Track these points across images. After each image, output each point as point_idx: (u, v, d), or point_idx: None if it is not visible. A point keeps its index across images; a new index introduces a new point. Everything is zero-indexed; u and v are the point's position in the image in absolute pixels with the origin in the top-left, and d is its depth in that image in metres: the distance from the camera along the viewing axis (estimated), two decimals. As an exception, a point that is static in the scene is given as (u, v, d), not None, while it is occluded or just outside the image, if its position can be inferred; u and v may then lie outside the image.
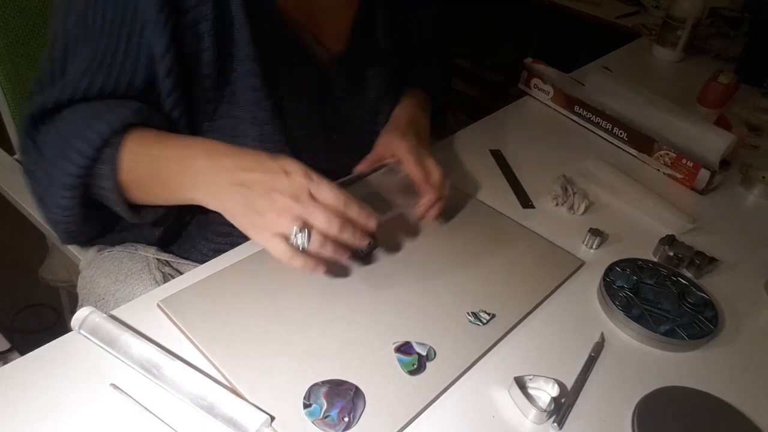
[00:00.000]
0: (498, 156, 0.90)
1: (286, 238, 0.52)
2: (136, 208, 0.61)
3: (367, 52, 0.76)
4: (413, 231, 0.71)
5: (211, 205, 0.55)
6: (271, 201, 0.52)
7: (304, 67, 0.69)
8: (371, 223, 0.55)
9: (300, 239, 0.52)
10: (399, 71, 0.83)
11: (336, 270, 0.62)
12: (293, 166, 0.53)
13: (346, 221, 0.53)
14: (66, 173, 0.55)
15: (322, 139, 0.74)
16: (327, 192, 0.53)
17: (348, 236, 0.54)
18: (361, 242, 0.55)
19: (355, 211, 0.54)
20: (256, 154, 0.55)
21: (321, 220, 0.52)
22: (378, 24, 0.76)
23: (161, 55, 0.56)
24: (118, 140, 0.56)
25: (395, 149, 0.71)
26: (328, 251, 0.54)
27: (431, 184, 0.68)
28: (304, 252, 0.53)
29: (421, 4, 0.86)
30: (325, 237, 0.53)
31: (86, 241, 0.72)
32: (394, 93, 0.82)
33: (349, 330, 0.57)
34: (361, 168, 0.73)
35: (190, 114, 0.63)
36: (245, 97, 0.63)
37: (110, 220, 0.65)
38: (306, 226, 0.52)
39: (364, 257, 0.65)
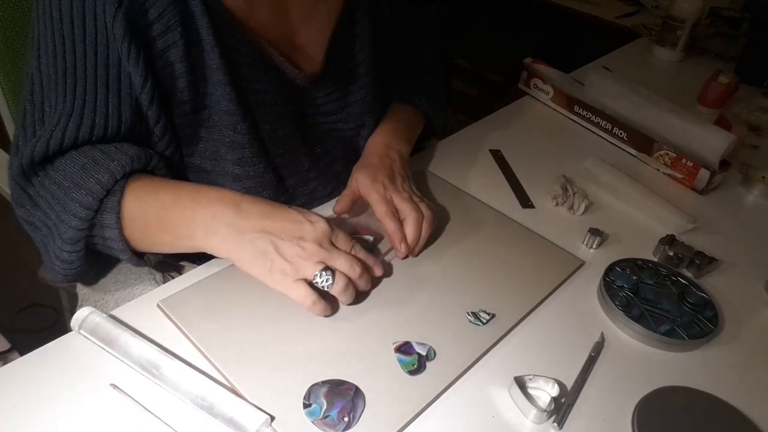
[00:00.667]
0: (498, 156, 0.90)
1: (308, 283, 0.55)
2: (139, 253, 0.60)
3: (346, 71, 0.74)
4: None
5: (223, 252, 0.56)
6: (300, 248, 0.55)
7: (281, 89, 0.67)
8: (378, 271, 0.61)
9: (325, 279, 0.55)
10: (389, 81, 0.82)
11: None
12: (315, 216, 0.57)
13: (362, 267, 0.57)
14: (68, 226, 0.54)
15: (304, 154, 0.73)
16: (344, 240, 0.58)
17: (364, 283, 0.58)
18: (369, 285, 0.60)
19: (363, 256, 0.59)
20: (268, 202, 0.58)
21: (344, 265, 0.56)
22: (357, 43, 0.73)
23: (140, 86, 0.56)
24: (121, 188, 0.55)
25: (366, 195, 0.68)
26: (349, 294, 0.57)
27: (407, 234, 0.64)
28: (324, 295, 0.56)
29: (415, 17, 0.84)
30: (348, 279, 0.56)
31: (95, 278, 0.71)
32: (380, 103, 0.80)
33: (349, 330, 0.57)
34: (339, 209, 0.70)
35: (173, 144, 0.63)
36: (221, 120, 0.63)
37: (109, 263, 0.66)
38: (329, 270, 0.55)
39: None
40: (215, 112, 0.63)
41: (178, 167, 0.66)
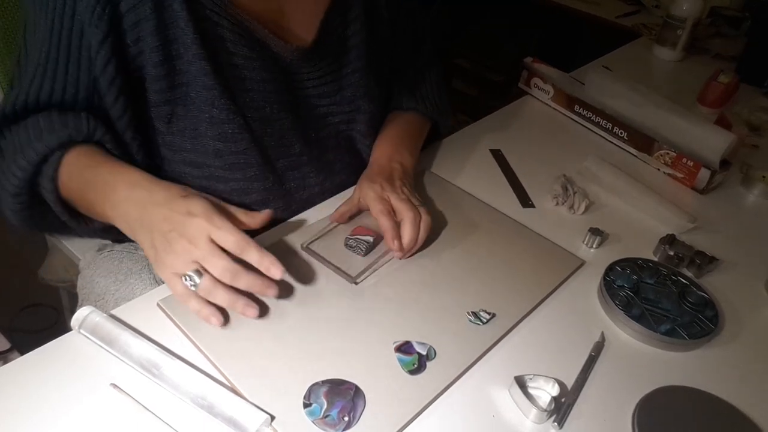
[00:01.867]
0: (498, 155, 0.90)
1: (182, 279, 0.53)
2: (77, 215, 0.64)
3: (337, 52, 0.73)
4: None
5: (127, 234, 0.58)
6: (170, 242, 0.53)
7: (265, 63, 0.66)
8: (275, 272, 0.53)
9: (190, 281, 0.52)
10: (385, 72, 0.81)
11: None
12: (198, 208, 0.53)
13: (242, 269, 0.53)
14: (10, 183, 0.59)
15: (296, 137, 0.72)
16: (227, 237, 0.53)
17: (244, 284, 0.53)
18: (266, 290, 0.54)
19: (255, 258, 0.53)
20: (169, 189, 0.56)
21: (214, 267, 0.52)
22: (350, 27, 0.73)
23: (96, 49, 0.57)
24: (58, 157, 0.59)
25: (364, 197, 0.68)
26: (219, 298, 0.53)
27: (404, 234, 0.64)
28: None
29: (414, 16, 0.84)
30: (216, 284, 0.53)
31: (53, 231, 0.72)
32: (375, 89, 0.78)
33: (349, 330, 0.57)
34: (335, 218, 0.69)
35: (143, 120, 0.64)
36: (199, 97, 0.62)
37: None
38: (197, 272, 0.52)
39: (364, 255, 0.65)
40: (192, 89, 0.62)
41: (142, 144, 0.65)
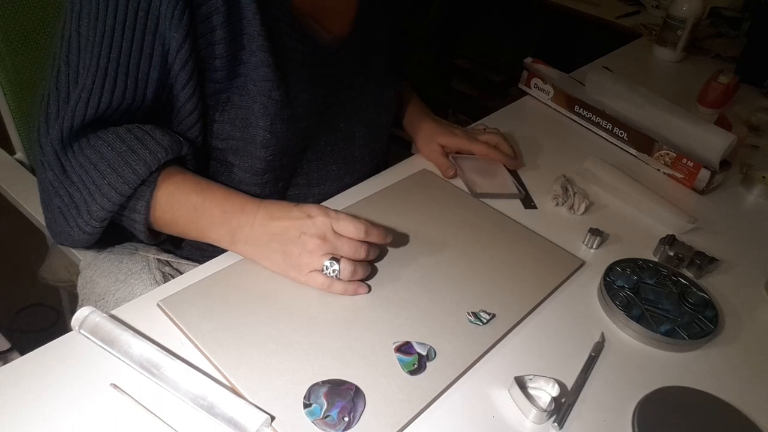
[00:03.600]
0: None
1: (322, 272, 0.59)
2: (155, 232, 0.65)
3: (369, 37, 0.77)
4: (413, 231, 0.71)
5: (249, 256, 0.62)
6: (302, 244, 0.59)
7: (313, 55, 0.69)
8: (389, 239, 0.63)
9: (333, 270, 0.59)
10: (400, 58, 0.86)
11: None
12: (314, 210, 0.60)
13: (369, 245, 0.61)
14: (100, 207, 0.58)
15: (328, 128, 0.75)
16: (347, 225, 0.60)
17: (373, 256, 0.62)
18: (374, 256, 0.63)
19: (374, 235, 0.61)
20: (281, 204, 0.62)
21: (348, 251, 0.60)
22: (375, 12, 0.77)
23: (177, 49, 0.58)
24: (154, 179, 0.60)
25: (457, 146, 0.86)
26: (359, 274, 0.60)
27: (506, 151, 0.86)
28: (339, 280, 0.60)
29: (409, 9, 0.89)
30: (354, 263, 0.60)
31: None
32: (392, 80, 0.84)
33: (349, 330, 0.57)
34: (448, 173, 0.83)
35: (203, 107, 0.64)
36: (256, 87, 0.64)
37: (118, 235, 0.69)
38: (336, 258, 0.59)
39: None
40: (250, 80, 0.64)
41: (204, 145, 0.67)
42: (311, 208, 0.61)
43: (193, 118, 0.63)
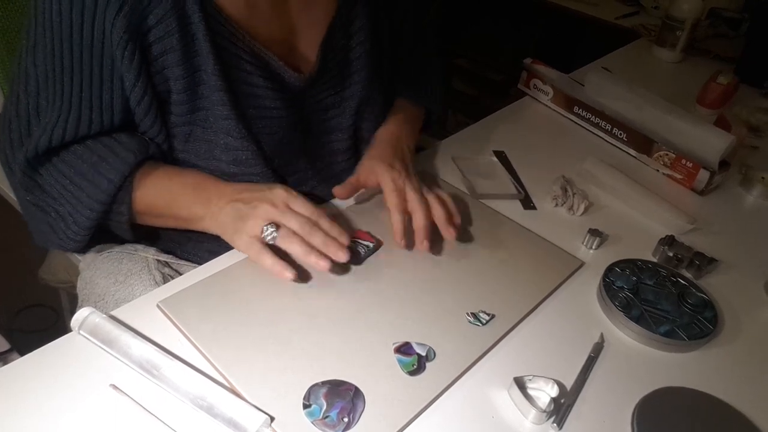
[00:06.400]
0: (502, 157, 0.90)
1: (262, 242, 0.59)
2: (134, 227, 0.67)
3: (342, 67, 0.74)
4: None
5: (213, 227, 0.62)
6: (253, 207, 0.60)
7: (280, 93, 0.68)
8: (343, 239, 0.61)
9: (270, 233, 0.59)
10: (391, 75, 0.83)
11: (336, 269, 0.62)
12: (278, 186, 0.62)
13: (317, 228, 0.60)
14: (84, 218, 0.61)
15: (303, 154, 0.74)
16: (302, 204, 0.61)
17: (318, 242, 0.59)
18: (336, 254, 0.60)
19: (326, 225, 0.61)
20: (253, 183, 0.65)
21: (293, 224, 0.59)
22: (354, 39, 0.74)
23: (130, 88, 0.59)
24: (130, 182, 0.62)
25: (382, 182, 0.69)
26: (295, 247, 0.59)
27: (415, 226, 0.66)
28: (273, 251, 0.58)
29: (414, 13, 0.85)
30: (293, 233, 0.59)
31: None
32: (378, 97, 0.79)
33: (349, 330, 0.57)
34: (340, 193, 0.70)
35: (166, 135, 0.65)
36: (217, 123, 0.64)
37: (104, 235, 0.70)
38: (273, 224, 0.59)
39: (363, 259, 0.65)
40: (211, 114, 0.64)
41: (171, 160, 0.68)
42: (277, 185, 0.62)
43: (160, 140, 0.65)
